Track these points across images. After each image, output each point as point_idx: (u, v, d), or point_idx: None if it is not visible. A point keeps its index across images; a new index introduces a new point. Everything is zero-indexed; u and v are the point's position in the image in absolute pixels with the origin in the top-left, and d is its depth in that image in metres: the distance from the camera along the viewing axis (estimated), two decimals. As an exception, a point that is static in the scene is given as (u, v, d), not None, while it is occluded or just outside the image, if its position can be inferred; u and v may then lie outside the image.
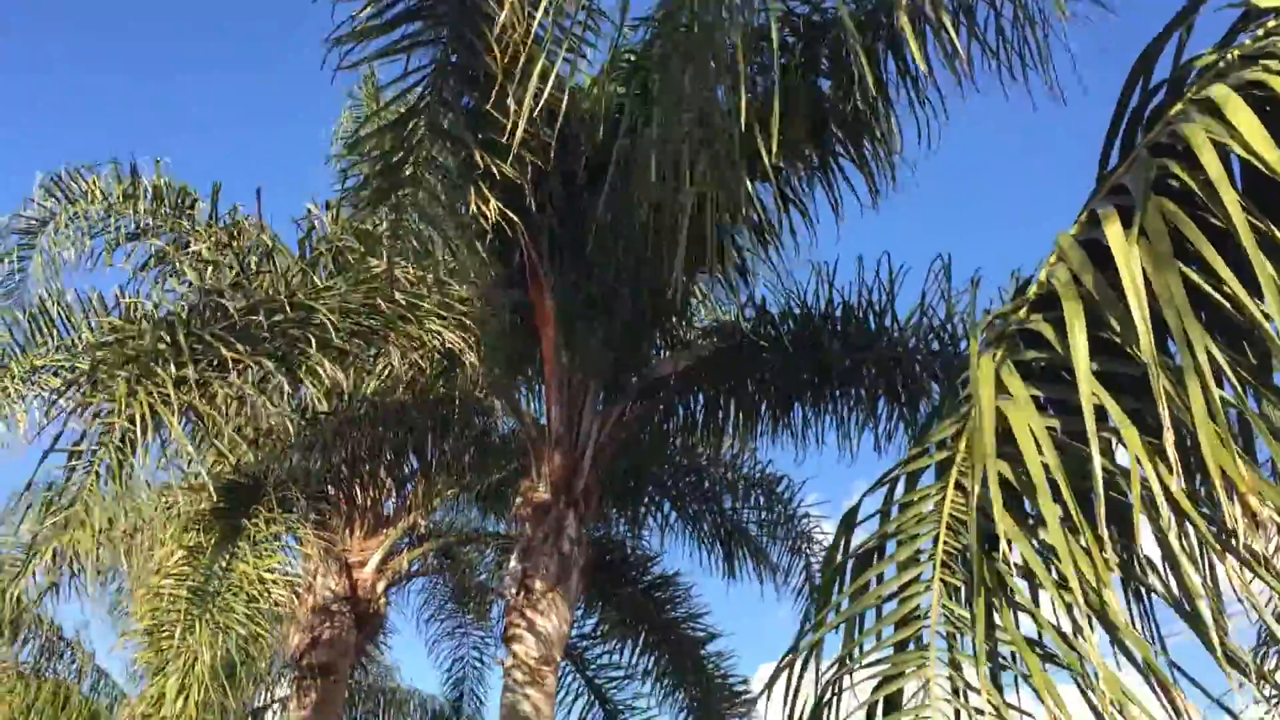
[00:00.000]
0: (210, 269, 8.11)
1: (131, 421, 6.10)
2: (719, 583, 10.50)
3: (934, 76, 5.94)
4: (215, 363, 6.57)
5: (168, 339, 6.48)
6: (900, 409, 8.12)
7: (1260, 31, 2.72)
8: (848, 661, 2.37)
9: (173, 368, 6.33)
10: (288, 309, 6.99)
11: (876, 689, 2.25)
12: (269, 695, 12.70)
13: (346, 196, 7.69)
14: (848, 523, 2.65)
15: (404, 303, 7.63)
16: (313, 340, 7.04)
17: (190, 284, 8.10)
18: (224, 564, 8.46)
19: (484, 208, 6.47)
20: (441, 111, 6.25)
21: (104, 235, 8.44)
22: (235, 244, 8.19)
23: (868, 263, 8.03)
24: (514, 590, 8.03)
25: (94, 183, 8.44)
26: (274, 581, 8.50)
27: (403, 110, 6.44)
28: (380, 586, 11.07)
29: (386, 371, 9.66)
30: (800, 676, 2.45)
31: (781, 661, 2.43)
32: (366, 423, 9.86)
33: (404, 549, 11.24)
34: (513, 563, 8.28)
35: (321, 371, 7.11)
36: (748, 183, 6.23)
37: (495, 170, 6.26)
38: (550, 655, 7.65)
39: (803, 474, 13.91)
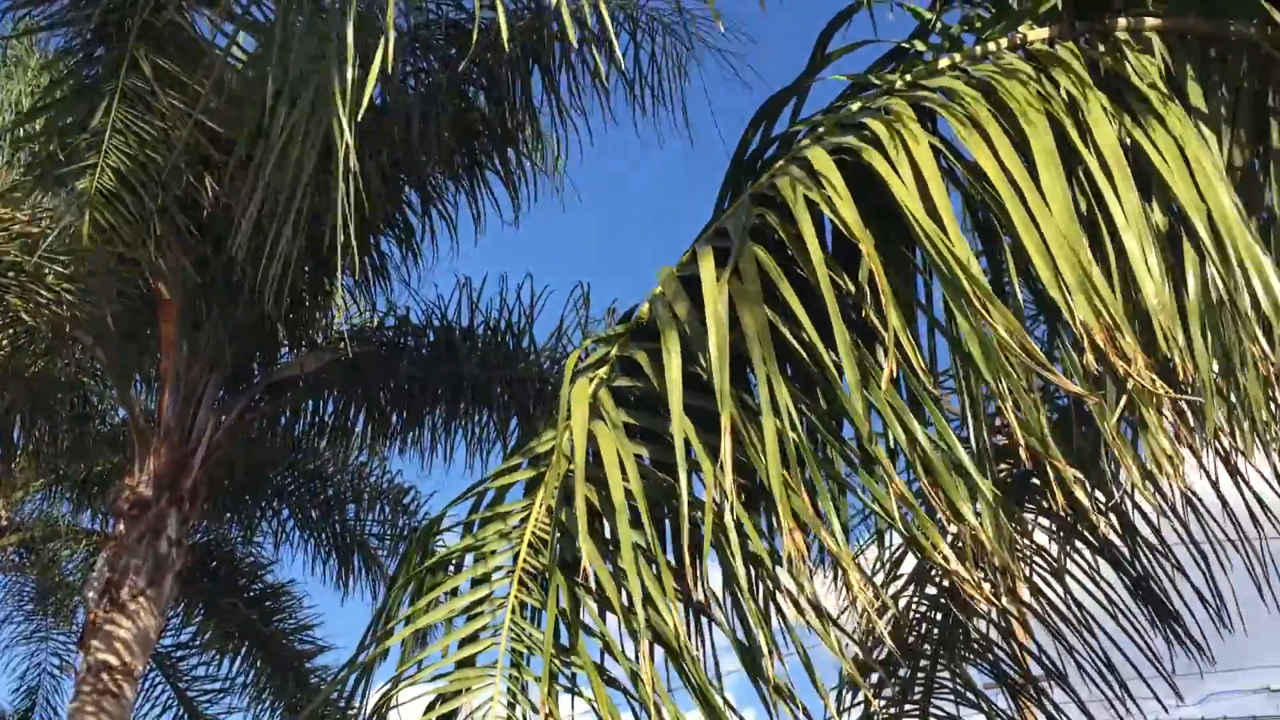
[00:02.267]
0: None
1: None
2: (334, 594, 10.12)
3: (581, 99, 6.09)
4: None
5: None
6: (531, 430, 8.20)
7: (859, 102, 2.95)
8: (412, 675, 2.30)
9: None
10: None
11: (429, 708, 2.19)
12: None
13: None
14: (426, 533, 2.59)
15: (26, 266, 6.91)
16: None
17: None
18: None
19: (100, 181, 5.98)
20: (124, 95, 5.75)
21: None
22: None
23: (516, 280, 8.11)
24: (98, 591, 7.39)
25: None
26: None
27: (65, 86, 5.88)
28: (-58, 583, 9.84)
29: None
30: (364, 692, 2.35)
31: (342, 671, 2.33)
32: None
33: (-22, 541, 10.06)
34: (100, 562, 7.63)
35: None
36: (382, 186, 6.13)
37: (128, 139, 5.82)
38: (132, 664, 7.07)
39: (432, 487, 13.77)
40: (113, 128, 5.85)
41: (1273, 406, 2.81)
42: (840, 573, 2.48)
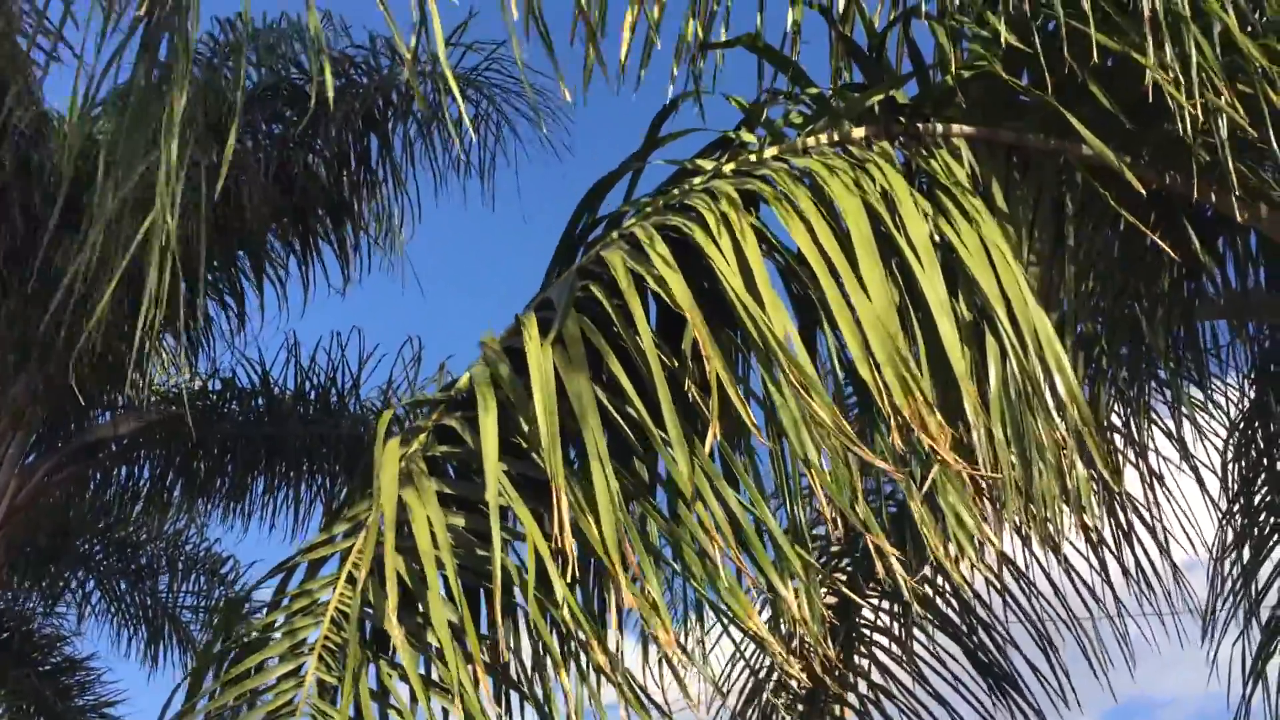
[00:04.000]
0: None
1: None
2: (142, 669, 9.55)
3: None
4: None
5: None
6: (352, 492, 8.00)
7: (686, 186, 3.03)
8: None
9: None
10: None
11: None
12: None
13: None
14: (231, 609, 2.48)
15: None
16: None
17: None
18: None
19: None
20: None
21: None
22: None
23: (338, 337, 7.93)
24: None
25: None
26: None
27: None
28: None
29: None
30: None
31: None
32: None
33: None
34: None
35: None
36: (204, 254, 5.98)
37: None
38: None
39: (254, 554, 13.21)
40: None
41: (1068, 488, 2.97)
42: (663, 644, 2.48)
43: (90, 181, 5.98)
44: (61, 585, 9.24)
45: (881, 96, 3.31)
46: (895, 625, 4.87)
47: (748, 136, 3.33)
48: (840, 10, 3.51)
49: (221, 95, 5.72)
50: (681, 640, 2.70)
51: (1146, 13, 2.92)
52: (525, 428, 2.42)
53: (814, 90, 3.42)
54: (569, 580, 2.35)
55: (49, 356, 6.75)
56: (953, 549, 2.78)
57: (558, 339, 2.46)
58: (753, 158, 3.18)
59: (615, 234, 2.93)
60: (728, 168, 3.16)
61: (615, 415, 2.51)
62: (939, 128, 3.30)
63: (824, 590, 4.62)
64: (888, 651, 4.85)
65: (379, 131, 6.49)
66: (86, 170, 6.55)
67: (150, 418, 7.77)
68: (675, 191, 3.09)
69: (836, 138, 3.27)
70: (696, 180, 3.10)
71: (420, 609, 2.40)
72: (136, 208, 4.79)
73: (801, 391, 2.42)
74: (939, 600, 4.54)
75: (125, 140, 4.05)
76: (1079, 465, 3.02)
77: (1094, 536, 3.55)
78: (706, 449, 2.38)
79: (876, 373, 2.47)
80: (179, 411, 7.68)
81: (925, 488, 2.64)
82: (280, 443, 7.83)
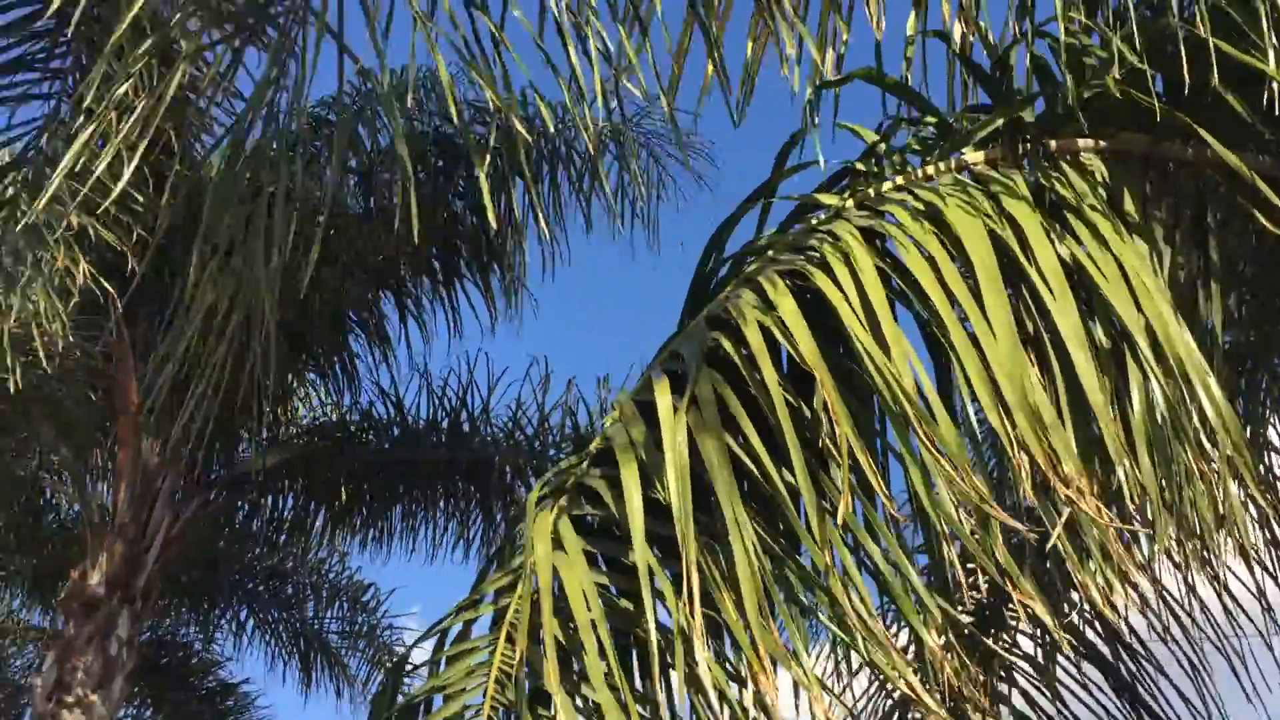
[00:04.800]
0: None
1: None
2: (297, 693, 9.91)
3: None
4: None
5: None
6: (489, 519, 8.18)
7: (808, 224, 3.03)
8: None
9: None
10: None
11: None
12: None
13: None
14: (396, 671, 2.57)
15: None
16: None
17: None
18: None
19: (74, 269, 5.98)
20: (46, 169, 5.73)
21: None
22: None
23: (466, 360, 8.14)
24: (46, 695, 7.23)
25: None
26: None
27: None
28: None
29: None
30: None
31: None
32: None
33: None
34: (49, 662, 7.47)
35: None
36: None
37: (93, 234, 5.81)
38: (81, 769, 6.90)
39: (394, 582, 13.63)
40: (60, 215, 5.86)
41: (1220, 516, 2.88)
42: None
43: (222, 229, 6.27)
44: (216, 613, 9.65)
45: (1007, 117, 3.25)
46: (1037, 650, 4.75)
47: (871, 167, 3.31)
48: (956, 33, 3.46)
49: (372, 144, 5.92)
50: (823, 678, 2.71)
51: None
52: (662, 489, 2.45)
53: (937, 116, 3.38)
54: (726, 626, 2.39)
55: (203, 395, 7.07)
56: (1100, 581, 2.72)
57: (691, 399, 2.48)
58: (874, 189, 3.16)
59: (741, 277, 2.94)
60: (848, 202, 3.15)
61: (752, 468, 2.53)
62: (1067, 144, 3.23)
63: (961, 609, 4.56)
64: (1029, 677, 4.73)
65: (522, 176, 6.68)
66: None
67: (293, 451, 8.09)
68: (798, 230, 3.10)
69: (961, 163, 3.22)
70: (819, 218, 3.09)
71: (576, 666, 2.46)
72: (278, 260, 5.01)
73: (928, 447, 2.39)
74: (1082, 622, 4.41)
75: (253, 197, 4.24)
76: (1232, 487, 2.92)
77: (1252, 557, 3.42)
78: (844, 507, 2.37)
79: (1007, 419, 2.43)
80: (319, 444, 7.98)
81: (1064, 522, 2.59)
82: (415, 469, 8.05)
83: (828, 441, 2.45)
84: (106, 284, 6.13)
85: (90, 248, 6.05)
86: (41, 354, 6.38)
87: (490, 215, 6.59)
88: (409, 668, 2.66)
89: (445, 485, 8.25)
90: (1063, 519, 2.57)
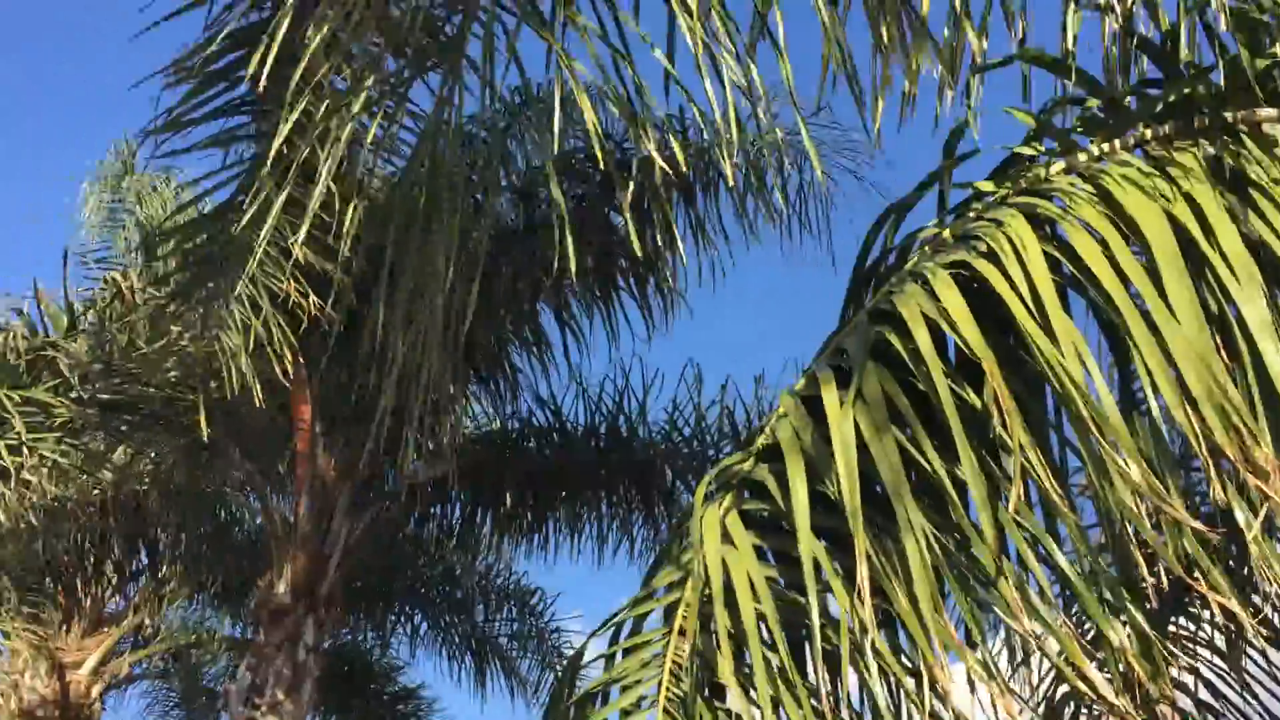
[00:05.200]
0: None
1: None
2: (471, 697, 10.21)
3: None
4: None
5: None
6: (652, 521, 8.26)
7: (972, 213, 2.97)
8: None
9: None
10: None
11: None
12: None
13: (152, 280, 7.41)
14: (572, 665, 2.63)
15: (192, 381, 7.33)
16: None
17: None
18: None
19: (299, 300, 6.31)
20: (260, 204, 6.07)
21: None
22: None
23: (622, 367, 8.23)
24: (241, 700, 7.60)
25: None
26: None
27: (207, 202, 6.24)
28: (96, 690, 10.22)
29: (125, 457, 9.07)
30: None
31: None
32: (95, 510, 9.21)
33: (126, 650, 10.44)
34: (242, 669, 7.85)
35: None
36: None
37: (302, 260, 6.10)
38: (274, 772, 7.24)
39: (558, 586, 13.88)
40: (254, 246, 6.17)
41: None
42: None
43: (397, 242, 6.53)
44: (392, 620, 10.00)
45: (1180, 91, 3.12)
46: (1219, 637, 4.51)
47: (1036, 150, 3.22)
48: (1119, 8, 3.34)
49: (528, 161, 6.08)
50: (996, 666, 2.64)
51: None
52: (829, 483, 2.44)
53: (1103, 94, 3.26)
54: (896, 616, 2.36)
55: (374, 409, 7.36)
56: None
57: (857, 394, 2.46)
58: (1042, 174, 3.07)
59: (905, 270, 2.90)
60: (1015, 188, 3.07)
61: (921, 460, 2.49)
62: (1248, 115, 3.07)
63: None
64: (1213, 667, 4.50)
65: (681, 189, 6.77)
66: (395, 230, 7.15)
67: (459, 460, 8.32)
68: (962, 219, 3.04)
69: (1131, 141, 3.11)
70: (983, 205, 3.03)
71: (748, 658, 2.47)
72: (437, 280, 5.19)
73: (1103, 442, 2.30)
74: (1270, 609, 4.16)
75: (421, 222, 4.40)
76: None
77: None
78: (1014, 499, 2.31)
79: (1193, 412, 2.32)
80: (483, 452, 8.20)
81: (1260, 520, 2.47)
82: (575, 475, 8.18)
83: (1001, 431, 2.39)
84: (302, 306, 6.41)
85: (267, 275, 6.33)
86: (233, 382, 6.78)
87: (636, 246, 6.69)
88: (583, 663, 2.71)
89: (606, 489, 8.37)
90: (1260, 517, 2.45)
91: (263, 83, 4.06)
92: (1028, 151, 3.28)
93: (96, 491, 8.99)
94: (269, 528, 8.36)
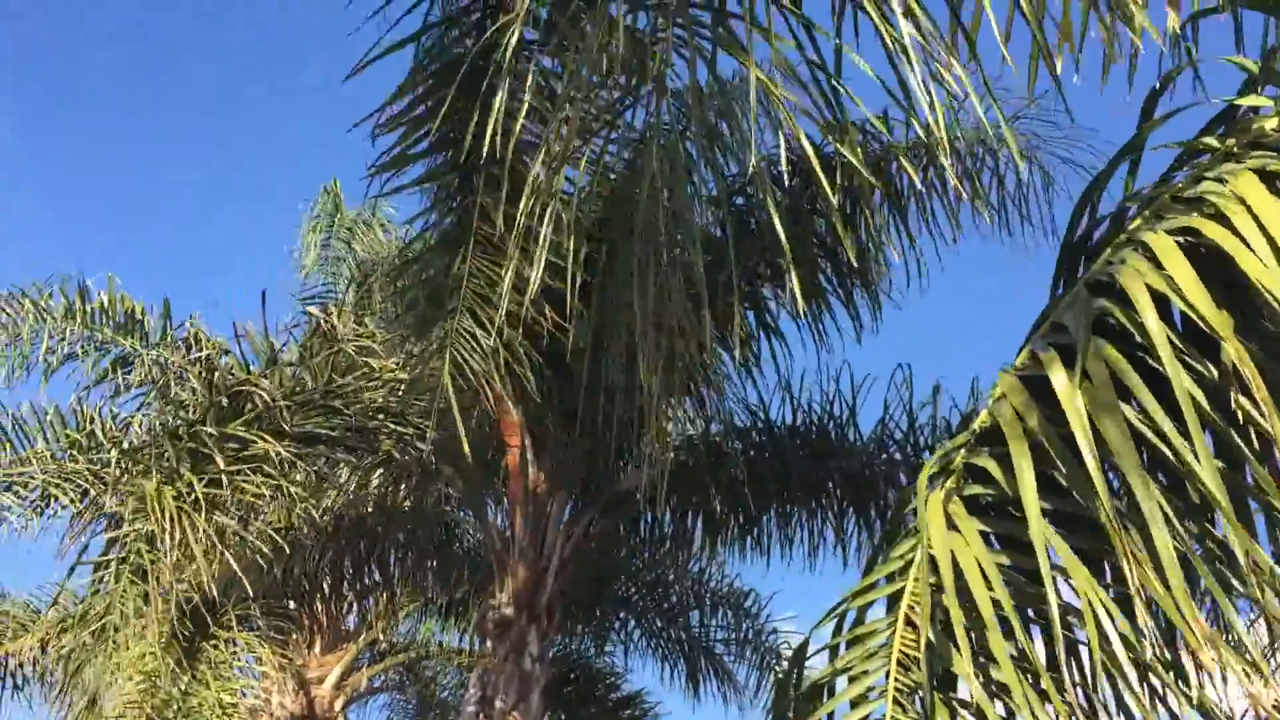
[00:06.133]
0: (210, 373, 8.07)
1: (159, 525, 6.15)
2: (686, 701, 10.29)
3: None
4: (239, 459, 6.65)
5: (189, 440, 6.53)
6: (865, 522, 8.13)
7: (1193, 172, 2.81)
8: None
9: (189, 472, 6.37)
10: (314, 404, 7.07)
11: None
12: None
13: (394, 316, 7.83)
14: (798, 657, 2.62)
15: (397, 406, 7.69)
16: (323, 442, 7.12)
17: (158, 398, 8.09)
18: (182, 689, 8.24)
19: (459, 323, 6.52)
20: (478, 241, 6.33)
21: (52, 353, 8.48)
22: (197, 358, 8.18)
23: (829, 371, 8.15)
24: (474, 710, 7.88)
25: (45, 298, 8.52)
26: (234, 705, 8.27)
27: (428, 238, 6.54)
28: (339, 704, 10.80)
29: (352, 483, 9.57)
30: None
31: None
32: (327, 535, 9.74)
33: (364, 664, 10.99)
34: (473, 681, 8.14)
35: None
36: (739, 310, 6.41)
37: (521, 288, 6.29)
38: (511, 776, 7.48)
39: (772, 588, 13.81)
40: (469, 274, 6.41)
41: None
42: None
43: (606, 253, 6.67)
44: (607, 628, 10.17)
45: None
46: None
47: (1258, 101, 3.01)
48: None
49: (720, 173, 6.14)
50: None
51: None
52: (1059, 464, 2.35)
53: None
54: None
55: (575, 423, 7.53)
56: None
57: (1083, 374, 2.37)
58: (1268, 125, 2.88)
59: (1122, 238, 2.77)
60: (1235, 144, 2.89)
61: (1154, 440, 2.38)
62: None
63: None
64: None
65: (890, 195, 6.71)
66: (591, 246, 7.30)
67: (666, 467, 8.40)
68: (1181, 179, 2.88)
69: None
70: (1203, 163, 2.86)
71: (978, 645, 2.41)
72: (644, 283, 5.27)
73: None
74: None
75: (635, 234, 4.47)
76: None
77: None
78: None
79: None
80: (692, 458, 8.26)
81: None
82: (785, 479, 8.13)
83: (1242, 401, 2.26)
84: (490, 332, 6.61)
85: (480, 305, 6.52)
86: (450, 405, 7.07)
87: (849, 248, 6.62)
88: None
89: (816, 492, 8.29)
90: None
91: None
92: (1247, 103, 3.08)
93: (327, 518, 9.50)
94: (488, 543, 8.65)
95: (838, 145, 3.72)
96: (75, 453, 7.58)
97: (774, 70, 3.67)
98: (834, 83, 3.62)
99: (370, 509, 9.59)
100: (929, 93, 3.19)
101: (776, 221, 3.62)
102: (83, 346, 8.62)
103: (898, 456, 7.95)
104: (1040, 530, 2.26)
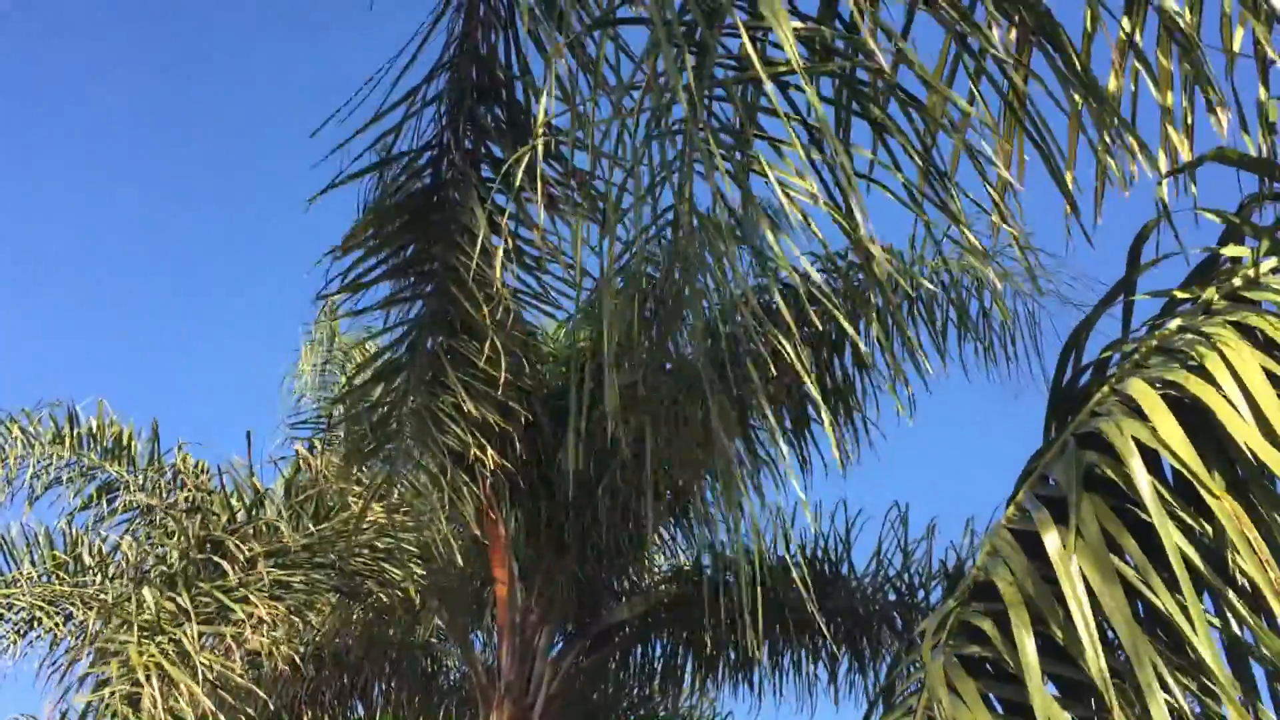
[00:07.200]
0: (193, 517, 8.00)
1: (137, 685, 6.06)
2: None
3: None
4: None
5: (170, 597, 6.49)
6: (858, 660, 7.99)
7: (1173, 325, 2.83)
8: None
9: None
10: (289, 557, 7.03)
11: None
12: None
13: (336, 444, 7.80)
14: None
15: (382, 547, 7.63)
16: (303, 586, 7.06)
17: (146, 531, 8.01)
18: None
19: (482, 456, 6.46)
20: (430, 364, 6.31)
21: (37, 478, 8.42)
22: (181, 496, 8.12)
23: (826, 506, 8.11)
24: None
25: (34, 424, 8.48)
26: None
27: (380, 362, 6.52)
28: (314, 844, 10.39)
29: (335, 614, 9.39)
30: None
31: None
32: (309, 666, 9.51)
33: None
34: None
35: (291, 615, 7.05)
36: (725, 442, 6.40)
37: (480, 416, 6.25)
38: None
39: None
40: (438, 411, 6.37)
41: None
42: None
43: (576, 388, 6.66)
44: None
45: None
46: None
47: (1238, 251, 3.05)
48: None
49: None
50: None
51: None
52: (1053, 626, 2.31)
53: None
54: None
55: (562, 556, 7.45)
56: None
57: (1077, 532, 2.34)
58: (1244, 278, 2.91)
59: (1109, 388, 2.77)
60: (1214, 293, 2.92)
61: (1148, 595, 2.34)
62: None
63: None
64: None
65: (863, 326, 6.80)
66: (572, 375, 7.30)
67: (654, 599, 8.28)
68: (1165, 330, 2.90)
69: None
70: (1186, 312, 2.88)
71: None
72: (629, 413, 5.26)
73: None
74: None
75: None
76: None
77: None
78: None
79: None
80: (681, 590, 8.14)
81: None
82: (779, 614, 8.01)
83: (1238, 560, 2.23)
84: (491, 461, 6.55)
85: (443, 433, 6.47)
86: (438, 544, 7.00)
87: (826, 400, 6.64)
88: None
89: (811, 630, 8.16)
90: None
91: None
92: (1228, 253, 3.12)
93: (305, 646, 9.31)
94: (474, 676, 8.47)
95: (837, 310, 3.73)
96: (62, 574, 7.52)
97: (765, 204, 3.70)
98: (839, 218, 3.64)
99: (352, 641, 9.40)
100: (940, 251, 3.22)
101: (796, 361, 3.60)
102: (68, 473, 8.56)
103: (891, 597, 7.87)
104: (1043, 703, 2.20)
